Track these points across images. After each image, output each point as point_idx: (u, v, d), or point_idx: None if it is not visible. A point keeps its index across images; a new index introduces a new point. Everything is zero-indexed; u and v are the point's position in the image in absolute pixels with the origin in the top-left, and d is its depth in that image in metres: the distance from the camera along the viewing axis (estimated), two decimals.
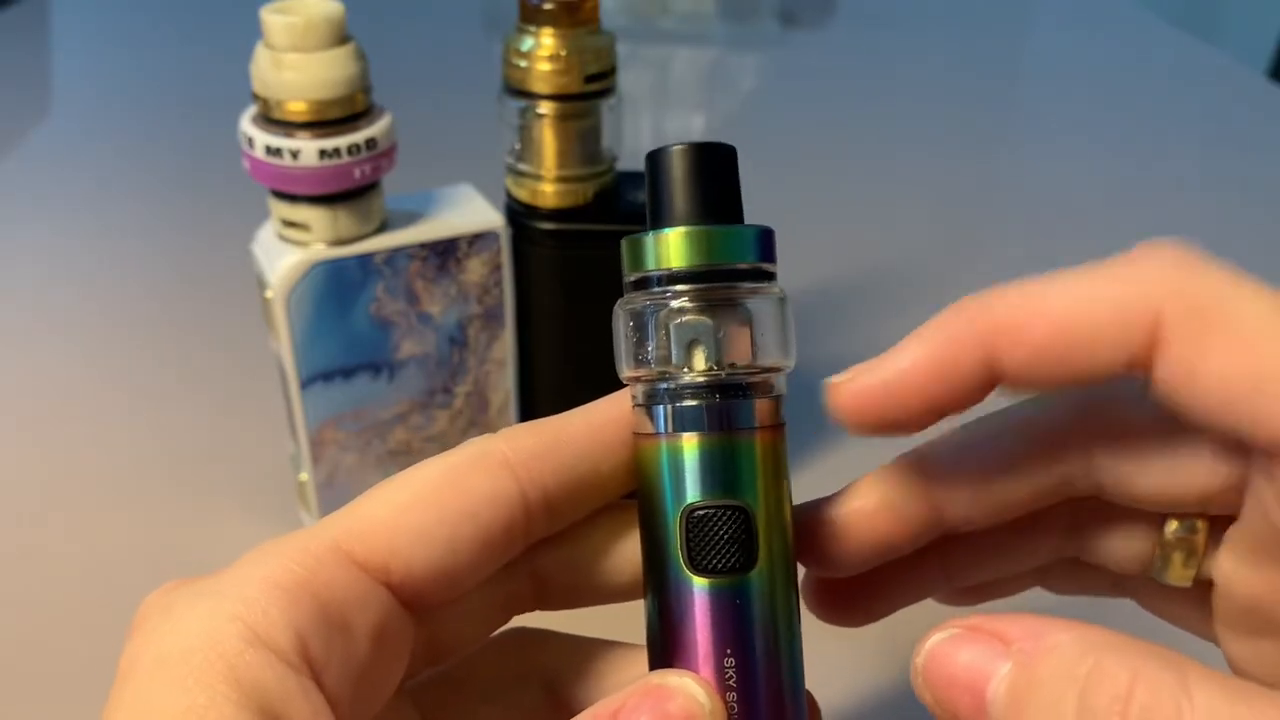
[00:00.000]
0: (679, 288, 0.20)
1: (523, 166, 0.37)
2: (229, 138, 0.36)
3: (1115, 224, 0.66)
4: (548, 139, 0.36)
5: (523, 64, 0.35)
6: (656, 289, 0.21)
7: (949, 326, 0.20)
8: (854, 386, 0.20)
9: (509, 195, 0.38)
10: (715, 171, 0.21)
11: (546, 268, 0.38)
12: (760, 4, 1.05)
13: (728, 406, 0.20)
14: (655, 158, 0.21)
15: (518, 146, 0.37)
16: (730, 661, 0.20)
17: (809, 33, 1.01)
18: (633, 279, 0.21)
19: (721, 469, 0.20)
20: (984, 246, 0.66)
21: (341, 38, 0.33)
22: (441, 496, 0.20)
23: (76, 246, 0.63)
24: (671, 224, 0.21)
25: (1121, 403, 0.20)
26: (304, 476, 0.39)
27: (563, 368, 0.40)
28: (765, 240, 0.21)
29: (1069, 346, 0.19)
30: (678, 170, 0.21)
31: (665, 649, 0.20)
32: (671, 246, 0.20)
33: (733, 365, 0.20)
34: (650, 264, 0.21)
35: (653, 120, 0.81)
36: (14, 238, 0.64)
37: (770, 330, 0.21)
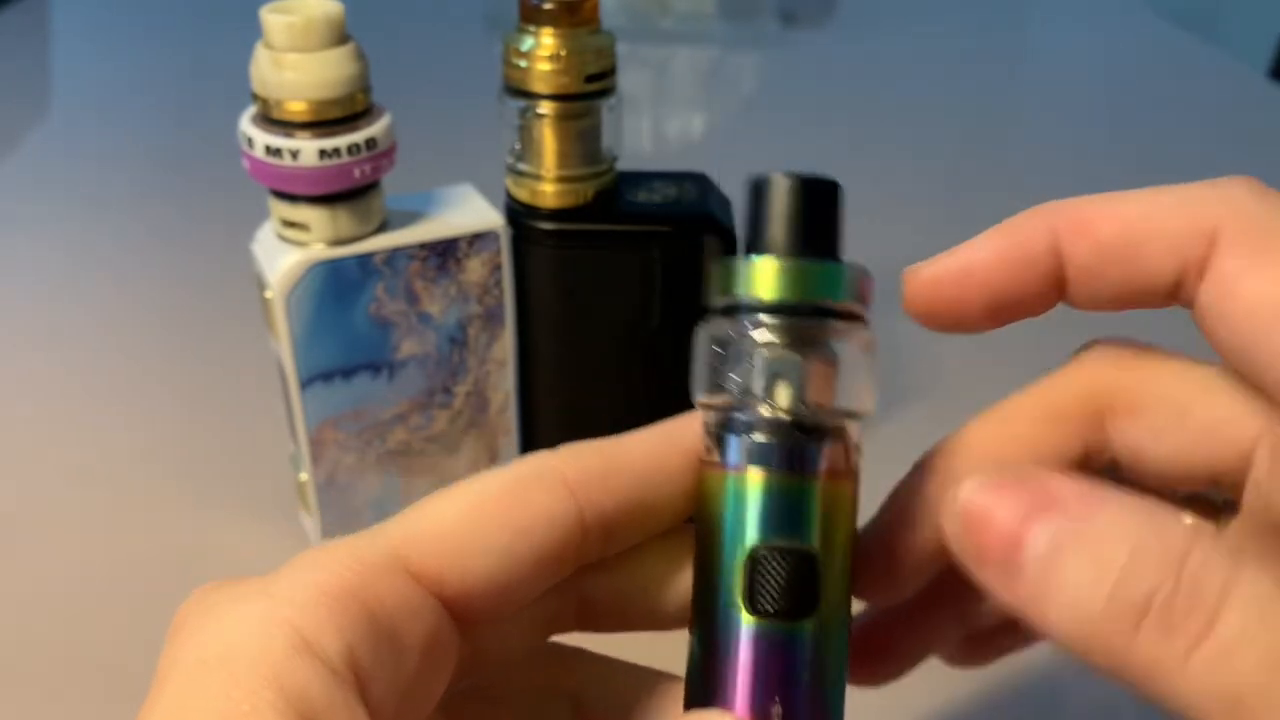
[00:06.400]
0: (768, 319, 0.20)
1: (523, 166, 0.37)
2: (229, 138, 0.36)
3: None
4: (548, 139, 0.36)
5: (523, 64, 0.35)
6: (745, 316, 0.20)
7: (1022, 219, 0.20)
8: (927, 272, 0.21)
9: (509, 195, 0.38)
10: (818, 206, 0.21)
11: (546, 268, 0.38)
12: (760, 4, 1.04)
13: (805, 447, 0.20)
14: (760, 185, 0.21)
15: (518, 146, 0.37)
16: (777, 709, 0.19)
17: (809, 33, 1.01)
18: (721, 304, 0.21)
19: (793, 511, 0.20)
20: None
21: (341, 37, 0.33)
22: (501, 510, 0.20)
23: (76, 247, 0.63)
24: (768, 253, 0.20)
25: (1134, 372, 0.20)
26: (304, 476, 0.39)
27: (563, 368, 0.40)
28: (860, 281, 0.20)
29: (1130, 245, 0.19)
30: (780, 200, 0.20)
31: (708, 686, 0.20)
32: (766, 276, 0.20)
33: (813, 405, 0.20)
34: (741, 290, 0.20)
35: (653, 120, 0.81)
36: (13, 238, 0.64)
37: (856, 375, 0.20)
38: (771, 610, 0.19)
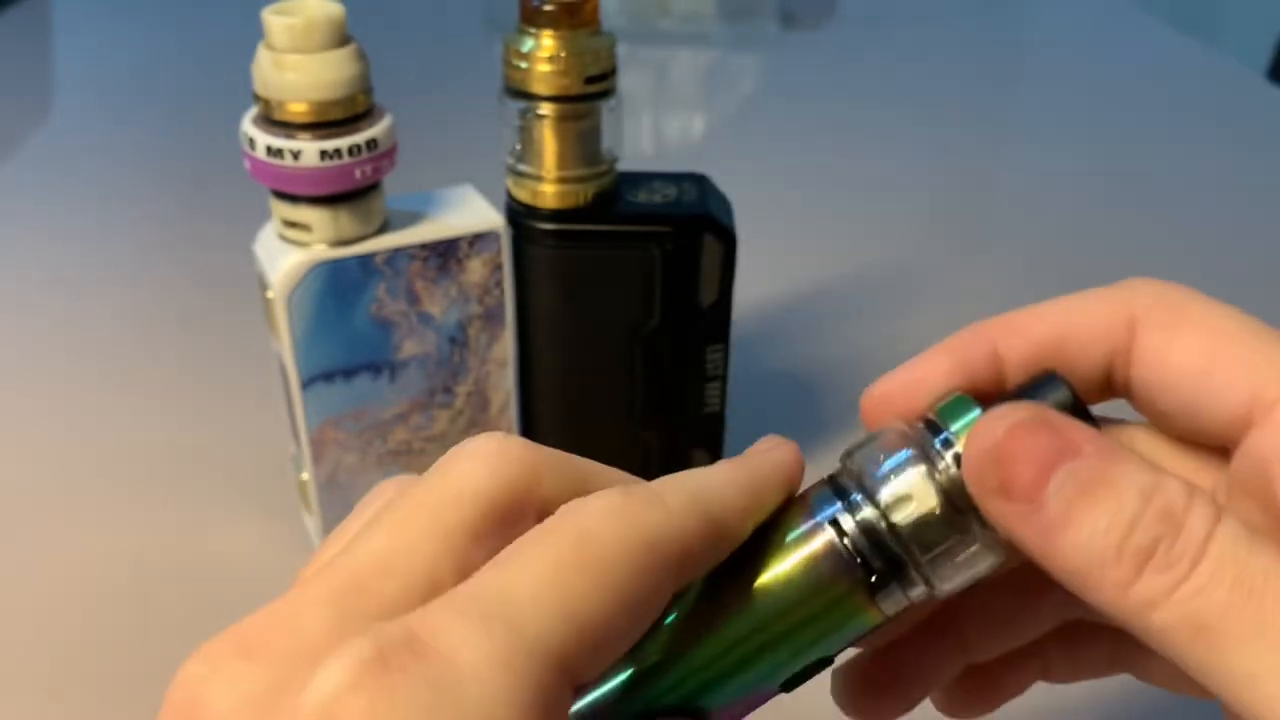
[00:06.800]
0: (955, 470, 0.20)
1: (523, 167, 0.37)
2: (231, 139, 0.36)
3: (1114, 224, 0.67)
4: (548, 140, 0.37)
5: (523, 65, 0.36)
6: (945, 450, 0.20)
7: (964, 333, 0.23)
8: (880, 390, 0.22)
9: (509, 196, 0.38)
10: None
11: (546, 268, 0.38)
12: (760, 4, 1.05)
13: (905, 588, 0.20)
14: (1048, 377, 0.21)
15: (518, 147, 0.38)
16: None
17: (809, 33, 1.01)
18: (940, 426, 0.21)
19: (860, 637, 0.21)
20: (983, 246, 0.66)
21: (342, 39, 0.33)
22: (639, 609, 0.18)
23: (78, 248, 0.63)
24: None
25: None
26: (305, 476, 0.39)
27: (563, 367, 0.40)
28: None
29: (1060, 339, 0.22)
30: (1048, 398, 0.21)
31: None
32: None
33: (914, 549, 0.20)
34: (956, 432, 0.20)
35: (653, 121, 0.81)
36: (15, 239, 0.64)
37: (964, 568, 0.20)
38: (786, 689, 0.21)
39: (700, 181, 0.39)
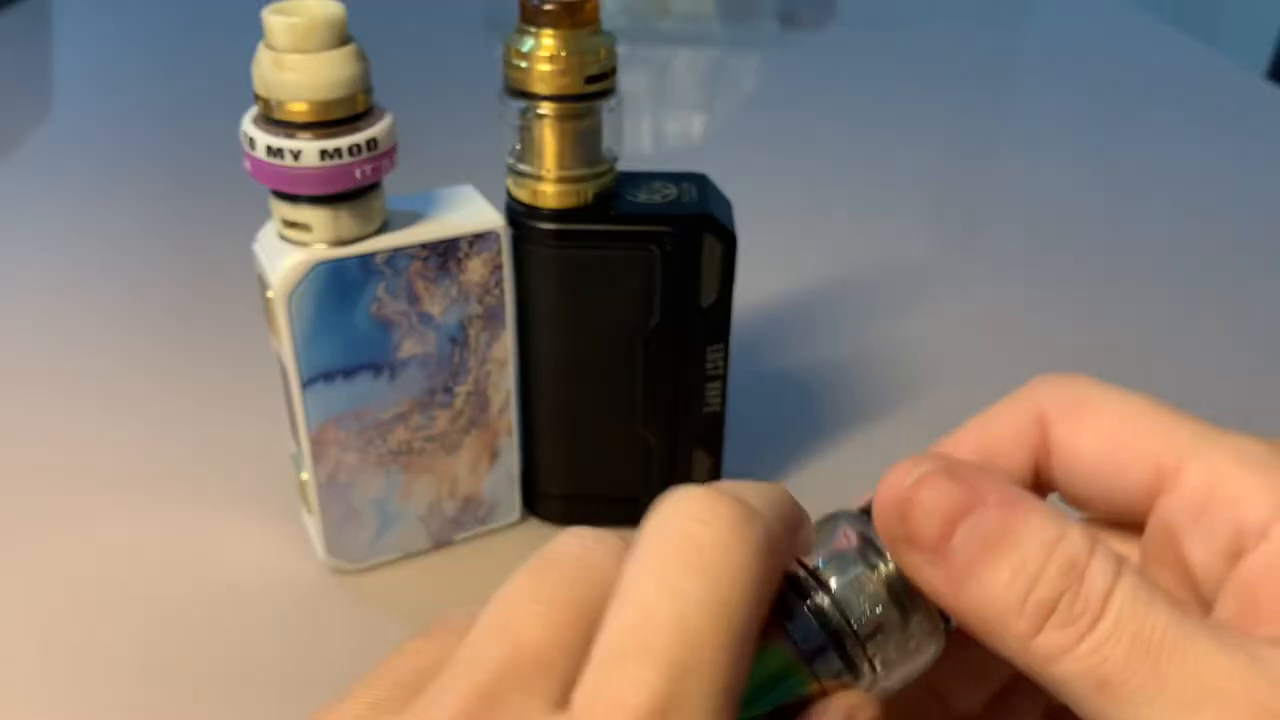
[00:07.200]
0: (893, 569, 0.20)
1: (523, 167, 0.37)
2: (231, 138, 0.36)
3: (1114, 224, 0.67)
4: (548, 139, 0.37)
5: (523, 65, 0.36)
6: (873, 542, 0.21)
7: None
8: None
9: (509, 195, 0.38)
10: None
11: (547, 268, 0.38)
12: (760, 4, 1.05)
13: (854, 677, 0.20)
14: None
15: (518, 147, 0.38)
16: None
17: (809, 33, 1.02)
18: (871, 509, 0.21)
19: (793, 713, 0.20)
20: (983, 247, 0.66)
21: (343, 38, 0.33)
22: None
23: (78, 247, 0.63)
24: None
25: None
26: (305, 476, 0.39)
27: (563, 367, 0.40)
28: None
29: (983, 454, 0.23)
30: None
31: None
32: None
33: (868, 647, 0.20)
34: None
35: (653, 120, 0.81)
36: (15, 238, 0.64)
37: (908, 663, 0.21)
38: None
39: (700, 181, 0.39)
